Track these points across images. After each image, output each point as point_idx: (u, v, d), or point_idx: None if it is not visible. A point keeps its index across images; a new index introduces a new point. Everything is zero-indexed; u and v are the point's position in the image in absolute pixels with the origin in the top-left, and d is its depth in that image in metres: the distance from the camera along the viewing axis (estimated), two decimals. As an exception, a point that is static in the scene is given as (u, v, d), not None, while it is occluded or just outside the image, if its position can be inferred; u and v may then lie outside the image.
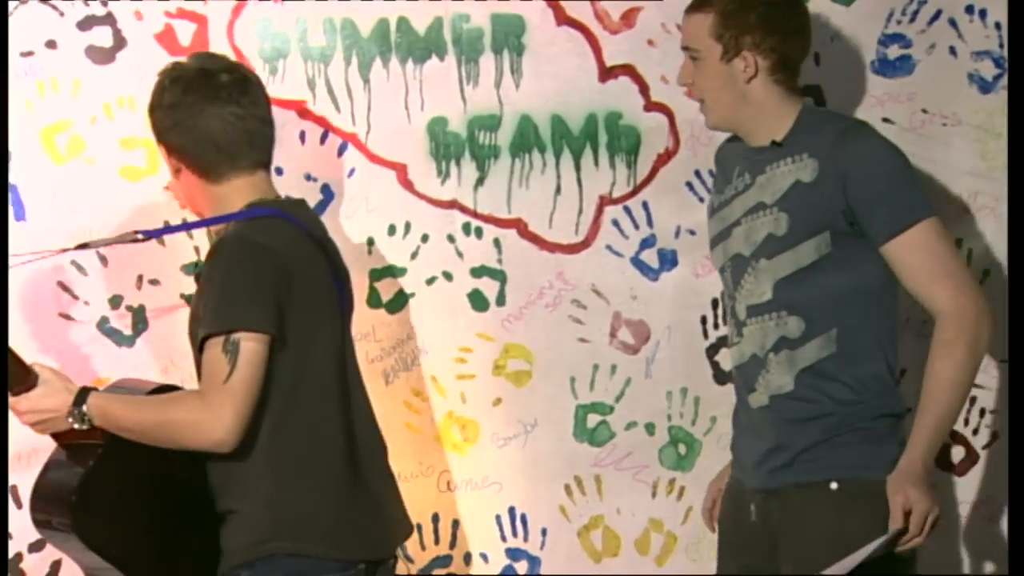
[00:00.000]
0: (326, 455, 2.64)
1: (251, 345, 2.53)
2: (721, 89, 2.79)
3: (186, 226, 2.91)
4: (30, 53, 3.00)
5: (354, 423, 2.68)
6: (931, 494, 2.64)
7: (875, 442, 2.72)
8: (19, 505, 2.98)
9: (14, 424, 2.69)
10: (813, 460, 2.73)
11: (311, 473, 2.62)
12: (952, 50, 3.28)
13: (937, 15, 3.27)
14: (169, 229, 2.85)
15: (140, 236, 2.70)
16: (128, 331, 3.06)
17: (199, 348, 2.58)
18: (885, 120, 3.27)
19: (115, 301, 3.06)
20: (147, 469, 2.60)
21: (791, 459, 2.75)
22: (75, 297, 3.04)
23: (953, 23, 3.28)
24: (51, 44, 3.02)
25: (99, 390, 2.65)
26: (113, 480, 2.59)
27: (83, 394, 2.60)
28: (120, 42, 3.04)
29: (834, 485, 2.71)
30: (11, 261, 2.75)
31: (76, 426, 2.59)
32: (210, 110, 2.63)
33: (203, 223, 2.76)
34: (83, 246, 2.75)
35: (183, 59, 2.73)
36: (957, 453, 3.38)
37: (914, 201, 2.70)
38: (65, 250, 2.76)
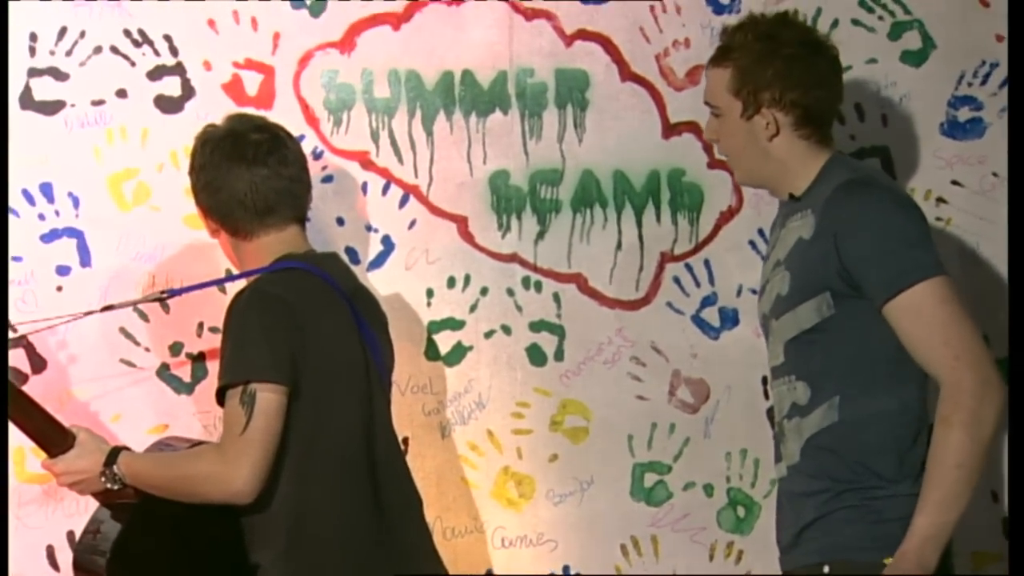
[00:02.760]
0: (347, 508, 2.67)
1: (267, 396, 2.60)
2: (744, 147, 2.74)
3: (213, 282, 2.99)
4: (101, 102, 3.12)
5: (381, 476, 2.72)
6: None
7: (872, 522, 2.62)
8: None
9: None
10: (810, 540, 2.66)
11: (330, 526, 2.66)
12: (1025, 113, 3.32)
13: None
14: (195, 287, 2.93)
15: (165, 295, 2.84)
16: (187, 379, 3.14)
17: (219, 401, 2.66)
18: (954, 183, 3.30)
19: (175, 348, 3.13)
20: (182, 525, 2.67)
21: (794, 539, 2.69)
22: (136, 343, 3.12)
23: (1025, 86, 3.32)
24: (121, 93, 3.13)
25: (130, 450, 2.74)
26: (149, 537, 2.67)
27: (114, 454, 2.70)
28: (188, 92, 3.14)
29: (826, 569, 2.63)
30: (26, 327, 2.88)
31: (108, 485, 2.68)
32: (236, 171, 2.72)
33: (228, 279, 2.86)
34: (108, 308, 2.88)
35: (217, 121, 2.81)
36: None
37: (910, 262, 2.58)
38: (88, 313, 2.87)
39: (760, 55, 2.71)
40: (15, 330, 2.99)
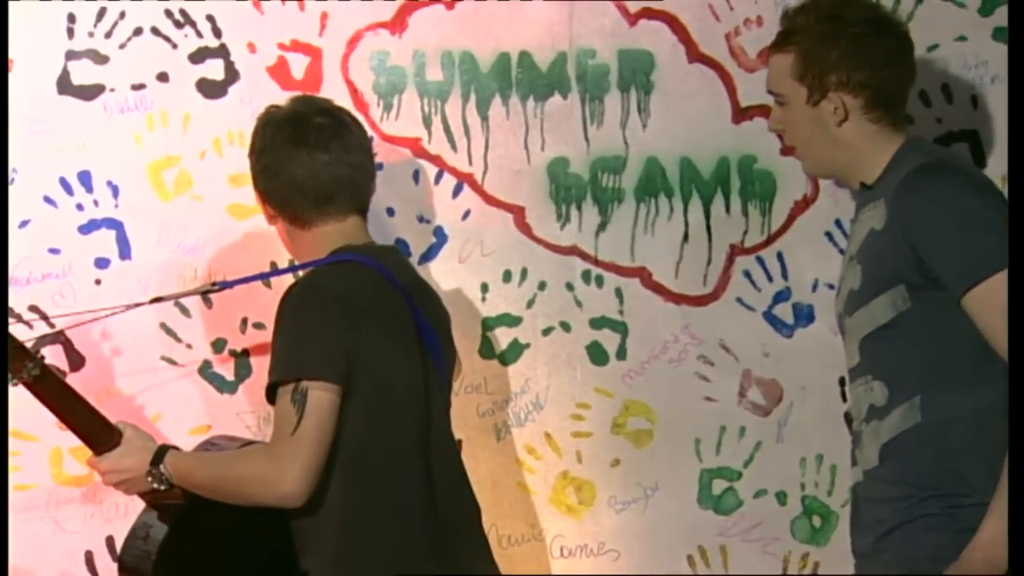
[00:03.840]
0: (400, 513, 2.63)
1: (320, 394, 2.55)
2: (811, 135, 2.70)
3: (267, 274, 2.97)
4: (141, 86, 3.08)
5: (437, 481, 2.67)
6: None
7: (956, 531, 2.55)
8: (114, 557, 3.02)
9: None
10: (890, 549, 2.61)
11: (382, 532, 2.61)
12: None
13: (1111, 55, 3.17)
14: (248, 279, 2.89)
15: (217, 287, 2.80)
16: (230, 376, 3.11)
17: (269, 398, 2.61)
18: (1050, 169, 3.19)
19: (218, 345, 3.11)
20: (230, 529, 2.63)
21: (872, 547, 2.63)
22: (178, 340, 3.10)
23: None
24: (162, 77, 3.09)
25: (178, 449, 2.71)
26: (196, 540, 2.64)
27: (161, 453, 2.66)
28: (232, 75, 3.11)
29: None
30: (63, 320, 2.86)
31: (155, 486, 2.65)
32: (297, 156, 2.68)
33: (283, 271, 2.82)
34: (157, 300, 2.84)
35: (281, 102, 2.78)
36: None
37: (989, 248, 2.52)
38: (136, 305, 2.84)
39: (824, 36, 2.67)
40: (52, 325, 2.97)
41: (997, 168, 3.16)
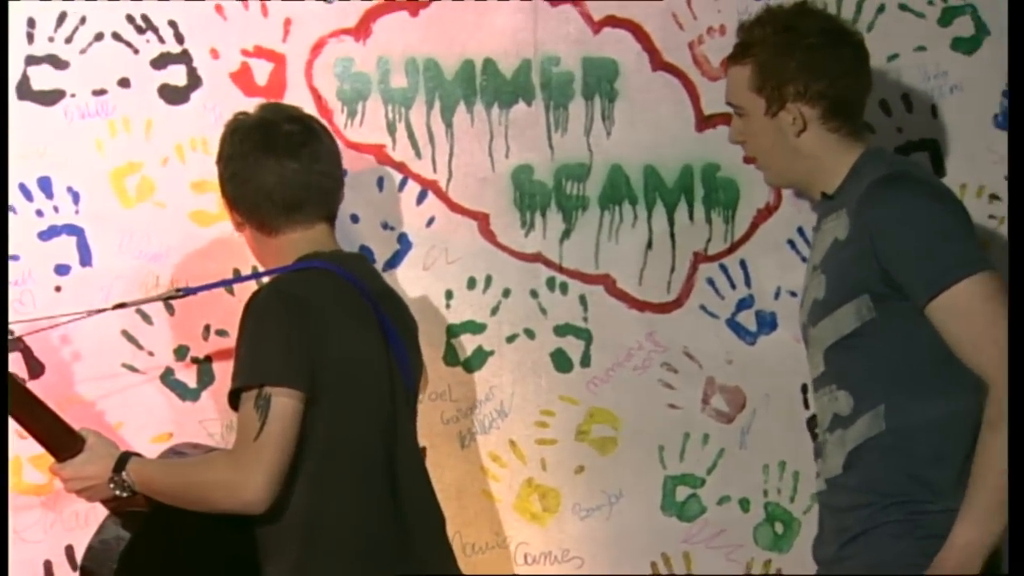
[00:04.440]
0: (364, 521, 2.63)
1: (283, 400, 2.55)
2: (771, 146, 2.73)
3: (232, 280, 2.97)
4: (103, 92, 3.07)
5: (402, 489, 2.67)
6: None
7: (920, 537, 2.56)
8: (73, 567, 3.01)
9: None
10: (854, 556, 2.62)
11: (346, 539, 2.62)
12: (1084, 104, 3.22)
13: (1068, 66, 3.22)
14: (212, 285, 2.89)
15: (181, 293, 2.81)
16: (193, 384, 3.09)
17: (232, 404, 2.61)
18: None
19: (181, 352, 3.09)
20: (194, 536, 2.63)
21: (836, 554, 2.65)
22: (140, 347, 3.08)
23: (1085, 75, 3.22)
24: (124, 83, 3.08)
25: (141, 456, 2.70)
26: (158, 548, 2.63)
27: (124, 460, 2.65)
28: (195, 81, 3.10)
29: None
30: (22, 327, 2.82)
31: (117, 493, 2.64)
32: (266, 163, 2.68)
33: (245, 278, 2.83)
34: (120, 305, 2.84)
35: (249, 110, 2.78)
36: None
37: (952, 257, 2.54)
38: (100, 311, 2.83)
39: (780, 48, 2.69)
40: (12, 332, 2.94)
41: (956, 177, 3.20)
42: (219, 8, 3.09)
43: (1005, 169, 3.21)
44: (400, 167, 3.15)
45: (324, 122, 2.83)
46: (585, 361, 3.18)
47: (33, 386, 2.95)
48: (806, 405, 3.20)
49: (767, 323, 3.22)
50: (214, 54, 3.09)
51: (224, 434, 3.05)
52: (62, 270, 3.05)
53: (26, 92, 3.04)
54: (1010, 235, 2.73)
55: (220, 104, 3.06)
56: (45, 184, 3.05)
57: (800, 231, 3.20)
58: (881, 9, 3.20)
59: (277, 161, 2.68)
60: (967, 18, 3.22)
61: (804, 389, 3.20)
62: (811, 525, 3.15)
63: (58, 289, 3.04)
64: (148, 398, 3.07)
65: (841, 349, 2.65)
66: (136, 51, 3.08)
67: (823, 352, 2.68)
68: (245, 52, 3.10)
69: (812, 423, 3.20)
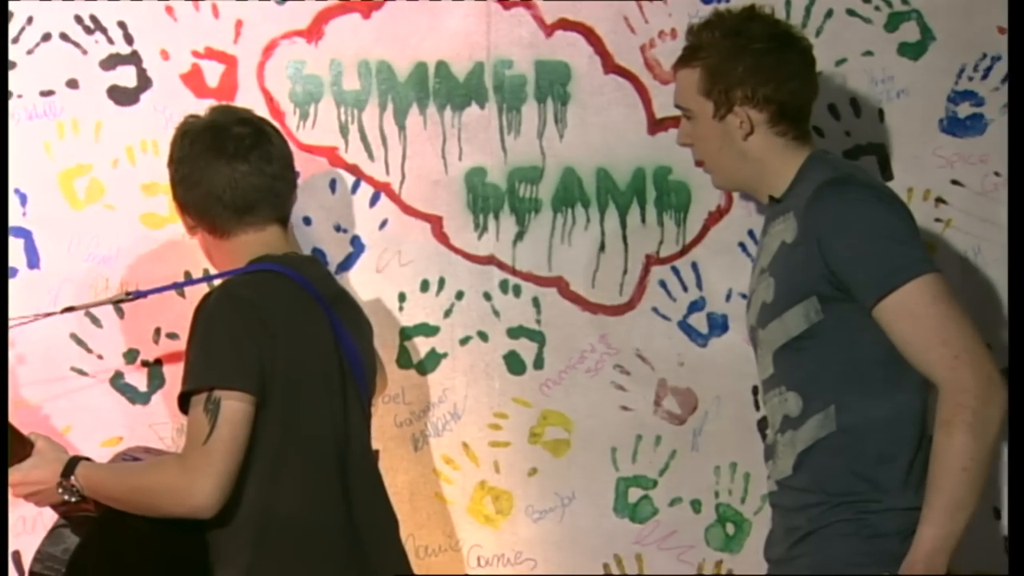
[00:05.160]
0: (316, 525, 2.63)
1: (233, 404, 2.55)
2: (719, 149, 2.75)
3: (180, 284, 2.96)
4: (50, 92, 3.05)
5: (354, 493, 2.68)
6: None
7: (867, 536, 2.60)
8: (21, 573, 3.00)
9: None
10: (803, 555, 2.65)
11: (297, 544, 2.61)
12: (1027, 109, 3.27)
13: (1011, 72, 3.27)
14: (163, 288, 2.89)
15: (131, 296, 2.81)
16: (143, 387, 3.08)
17: (182, 407, 2.61)
18: (955, 182, 3.25)
19: (130, 356, 3.08)
20: (144, 541, 2.62)
21: (786, 553, 2.68)
22: (88, 351, 3.06)
23: (1028, 80, 3.27)
24: (72, 84, 3.07)
25: (90, 460, 2.69)
26: (108, 553, 2.62)
27: (72, 464, 2.65)
28: (145, 83, 3.09)
29: None
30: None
31: (66, 498, 2.63)
32: (216, 166, 2.68)
33: (196, 281, 2.83)
34: (69, 309, 2.84)
35: (200, 112, 2.78)
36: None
37: (899, 259, 2.58)
38: (49, 315, 2.82)
39: (729, 52, 2.72)
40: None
41: (903, 180, 3.24)
42: (169, 9, 3.09)
43: (951, 173, 3.26)
44: (353, 169, 3.15)
45: (276, 124, 2.83)
46: (538, 363, 3.20)
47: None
48: (757, 407, 3.22)
49: (718, 325, 3.24)
50: (164, 55, 3.08)
51: (175, 438, 3.04)
52: (9, 272, 3.02)
53: (-28, 93, 3.01)
54: (1010, 235, 2.79)
55: (171, 106, 3.05)
56: (-8, 186, 3.02)
57: (751, 234, 3.22)
58: (829, 14, 3.22)
59: (227, 164, 2.68)
60: (913, 23, 3.25)
61: (755, 391, 3.21)
62: (762, 526, 3.20)
63: (5, 292, 3.02)
64: (97, 402, 3.06)
65: (790, 351, 2.68)
66: (84, 52, 3.07)
67: (772, 354, 2.71)
68: (196, 53, 3.09)
69: (763, 425, 3.22)
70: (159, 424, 3.06)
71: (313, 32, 3.13)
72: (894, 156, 3.26)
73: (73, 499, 2.64)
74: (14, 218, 3.03)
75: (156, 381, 3.08)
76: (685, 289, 3.24)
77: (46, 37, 3.05)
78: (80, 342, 3.06)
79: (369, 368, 2.80)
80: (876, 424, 2.63)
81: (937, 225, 3.25)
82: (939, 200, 3.26)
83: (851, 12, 3.24)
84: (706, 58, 2.73)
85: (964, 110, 3.26)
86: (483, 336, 3.18)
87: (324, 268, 2.87)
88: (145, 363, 3.07)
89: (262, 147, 2.71)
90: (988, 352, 2.58)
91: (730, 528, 3.24)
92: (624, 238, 3.21)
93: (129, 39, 3.08)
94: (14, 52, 3.03)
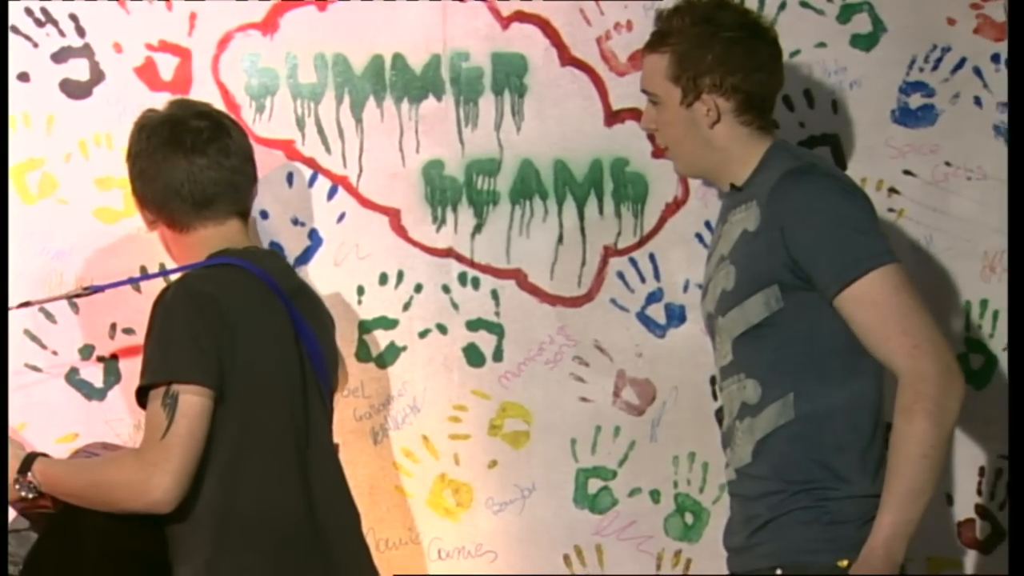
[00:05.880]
0: (276, 520, 2.63)
1: (191, 398, 2.55)
2: (684, 136, 2.76)
3: (138, 279, 2.96)
4: (2, 86, 3.02)
5: (315, 487, 2.68)
6: None
7: (826, 523, 2.62)
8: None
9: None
10: (763, 543, 2.67)
11: (257, 538, 2.61)
12: (977, 100, 3.29)
13: (961, 63, 3.29)
14: (120, 283, 2.89)
15: (88, 291, 2.80)
16: (99, 383, 3.06)
17: (139, 402, 2.60)
18: (906, 172, 3.29)
19: (86, 351, 3.06)
20: (103, 537, 2.61)
21: (745, 541, 2.70)
22: (43, 347, 3.05)
23: (978, 72, 3.30)
24: (24, 77, 3.05)
25: (48, 456, 2.68)
26: (66, 549, 2.61)
27: (29, 461, 2.64)
28: (97, 76, 3.07)
29: (779, 572, 2.63)
30: None
31: (23, 494, 2.62)
32: (174, 159, 2.68)
33: (154, 275, 2.84)
34: (25, 304, 2.85)
35: (158, 106, 2.77)
36: (983, 528, 3.37)
37: (861, 250, 2.61)
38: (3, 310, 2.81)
39: (699, 39, 2.72)
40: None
41: (856, 171, 3.26)
42: (122, 1, 3.07)
43: (903, 163, 3.30)
44: (310, 162, 3.15)
45: (235, 118, 2.82)
46: (497, 356, 3.20)
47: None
48: (715, 397, 3.23)
49: (676, 316, 3.26)
50: (117, 48, 3.07)
51: (132, 434, 3.02)
52: (-39, 268, 3.00)
53: (-79, 87, 2.99)
54: (1010, 235, 2.83)
55: (124, 99, 3.04)
56: (-58, 180, 3.00)
57: (708, 225, 3.23)
58: (783, 6, 3.25)
59: (185, 158, 2.68)
60: (864, 15, 3.28)
61: (712, 381, 3.23)
62: (720, 515, 3.21)
63: (-44, 289, 3.00)
64: (52, 398, 3.04)
65: (749, 338, 2.70)
66: (36, 45, 3.05)
67: (731, 342, 2.73)
68: (149, 46, 3.08)
69: (720, 414, 3.24)
70: (115, 420, 3.05)
71: (268, 25, 3.12)
72: (847, 146, 3.29)
73: (30, 496, 2.63)
74: (-35, 213, 3.01)
75: (112, 377, 3.06)
76: (643, 280, 3.25)
77: (-4, 30, 3.03)
78: (34, 338, 3.04)
79: (330, 362, 2.80)
80: (834, 412, 2.66)
81: (890, 215, 3.28)
82: (892, 190, 3.29)
83: (804, 4, 3.26)
84: (675, 44, 2.74)
85: (915, 101, 3.30)
86: (442, 329, 3.19)
87: (284, 262, 2.87)
88: (101, 359, 3.06)
89: (220, 140, 2.70)
90: (947, 342, 2.62)
91: (689, 518, 3.26)
92: (582, 230, 3.23)
93: (81, 32, 3.06)
94: (-37, 45, 3.01)
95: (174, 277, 2.76)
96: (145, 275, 2.99)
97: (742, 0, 3.16)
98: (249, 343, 2.62)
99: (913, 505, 2.57)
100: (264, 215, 3.11)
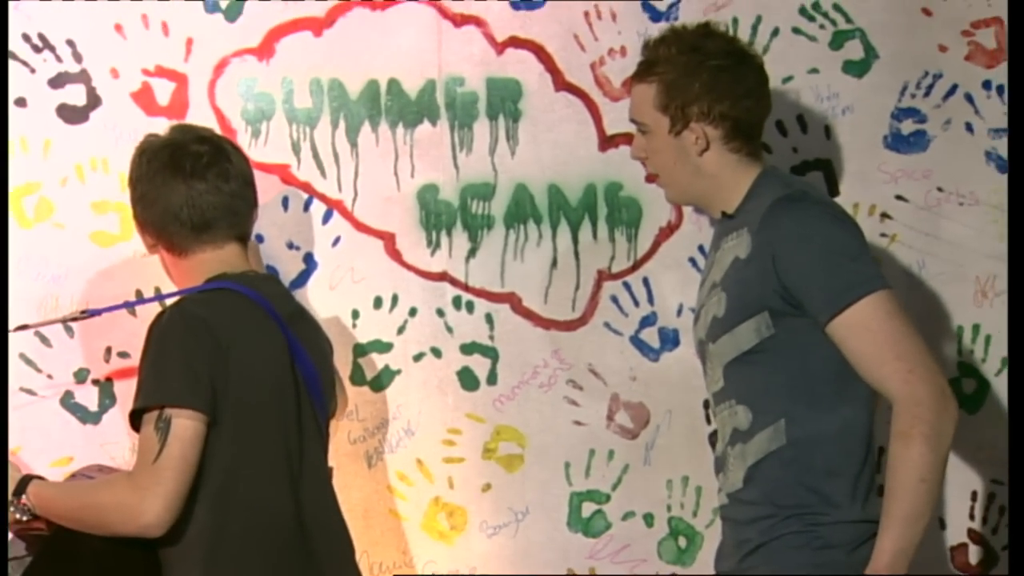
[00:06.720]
0: (268, 545, 2.64)
1: (183, 422, 2.57)
2: (674, 164, 2.78)
3: (135, 302, 2.97)
4: (-1, 110, 3.04)
5: (308, 512, 2.69)
6: None
7: (817, 548, 2.64)
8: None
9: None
10: (753, 567, 2.68)
11: (249, 563, 2.62)
12: (969, 126, 3.32)
13: (953, 90, 3.32)
14: (117, 306, 2.90)
15: (84, 314, 2.81)
16: (94, 407, 3.07)
17: (133, 425, 2.62)
18: (899, 198, 3.31)
19: (81, 375, 3.07)
20: (96, 559, 2.62)
21: (736, 565, 2.71)
22: (38, 370, 3.05)
23: (970, 98, 3.32)
24: (21, 102, 3.06)
25: (43, 478, 2.70)
26: (60, 571, 2.61)
27: (24, 483, 2.65)
28: (94, 101, 3.09)
29: None
30: None
31: (18, 516, 2.64)
32: (173, 184, 2.70)
33: (151, 299, 2.85)
34: (21, 327, 2.86)
35: (159, 131, 2.79)
36: (976, 553, 3.38)
37: (854, 276, 2.62)
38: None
39: (686, 68, 2.75)
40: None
41: (849, 196, 3.29)
42: (119, 27, 3.09)
43: (896, 188, 3.32)
44: (305, 187, 3.16)
45: (236, 143, 2.84)
46: (491, 379, 3.21)
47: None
48: (708, 420, 3.25)
49: (670, 340, 3.27)
50: (114, 73, 3.09)
51: (127, 457, 3.03)
52: (-43, 292, 3.01)
53: (-82, 111, 3.00)
54: (1010, 235, 2.85)
55: (121, 124, 3.06)
56: (-61, 204, 3.01)
57: (701, 249, 3.25)
58: (776, 33, 3.27)
59: (184, 182, 2.70)
60: (857, 42, 3.30)
61: (706, 404, 3.24)
62: (713, 539, 3.21)
63: (-47, 311, 3.00)
64: (47, 421, 3.05)
65: (740, 365, 2.71)
66: (33, 70, 3.07)
67: (722, 368, 2.74)
68: (146, 71, 3.10)
69: (714, 438, 3.25)
70: (110, 443, 3.05)
71: (264, 50, 3.14)
72: (840, 172, 3.31)
73: (25, 518, 2.65)
74: (-39, 237, 3.03)
75: (107, 400, 3.07)
76: (637, 304, 3.26)
77: (-6, 55, 3.04)
78: (29, 361, 3.05)
79: (327, 386, 2.81)
80: (825, 437, 2.67)
81: (882, 240, 3.30)
82: (884, 215, 3.31)
83: (797, 30, 3.29)
84: (663, 73, 2.76)
85: (907, 127, 3.32)
86: (436, 352, 3.20)
87: (282, 286, 2.88)
88: (96, 382, 3.06)
89: (220, 165, 2.72)
90: (939, 366, 2.64)
91: (682, 541, 3.27)
92: (576, 254, 3.24)
93: (78, 57, 3.08)
94: (-40, 71, 3.02)
95: (170, 301, 2.77)
96: (142, 299, 3.00)
97: (730, 27, 3.19)
98: (243, 367, 2.64)
99: (913, 529, 2.58)
100: (260, 239, 3.12)
